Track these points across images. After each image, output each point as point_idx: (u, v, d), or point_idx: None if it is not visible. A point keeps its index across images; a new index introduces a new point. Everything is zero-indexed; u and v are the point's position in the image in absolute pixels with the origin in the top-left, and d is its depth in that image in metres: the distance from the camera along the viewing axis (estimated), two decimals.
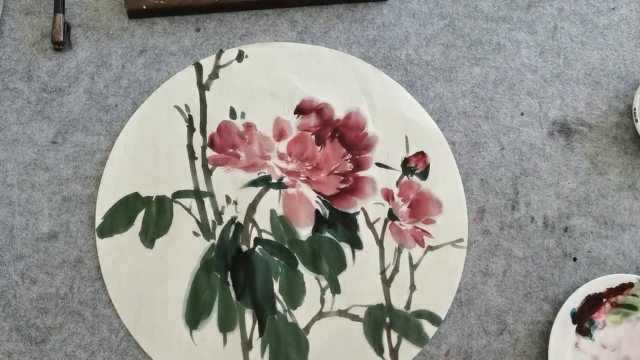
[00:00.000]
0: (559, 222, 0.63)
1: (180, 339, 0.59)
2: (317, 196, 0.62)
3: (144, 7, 0.64)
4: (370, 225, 0.61)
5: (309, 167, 0.62)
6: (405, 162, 0.63)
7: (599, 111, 0.65)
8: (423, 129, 0.64)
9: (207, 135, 0.63)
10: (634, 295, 0.60)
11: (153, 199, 0.61)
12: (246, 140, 0.63)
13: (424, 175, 0.63)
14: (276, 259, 0.60)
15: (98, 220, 0.60)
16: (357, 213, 0.61)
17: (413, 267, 0.60)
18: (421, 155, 0.63)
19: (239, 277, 0.60)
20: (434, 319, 0.60)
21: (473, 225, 0.62)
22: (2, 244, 0.60)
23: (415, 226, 0.61)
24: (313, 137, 0.63)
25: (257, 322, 0.59)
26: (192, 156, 0.62)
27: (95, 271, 0.60)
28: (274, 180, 0.62)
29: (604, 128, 0.65)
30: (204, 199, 0.61)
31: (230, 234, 0.61)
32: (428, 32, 0.67)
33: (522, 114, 0.65)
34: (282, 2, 0.66)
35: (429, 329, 0.59)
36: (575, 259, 0.62)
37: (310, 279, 0.60)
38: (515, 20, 0.67)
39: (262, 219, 0.61)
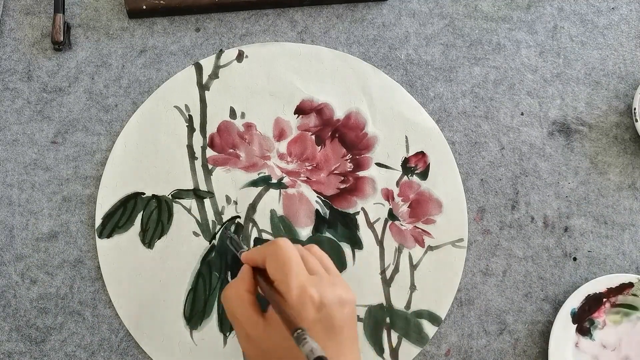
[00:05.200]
0: (559, 222, 0.63)
1: (180, 339, 0.59)
2: (317, 196, 0.62)
3: (144, 7, 0.64)
4: (371, 225, 0.61)
5: (309, 167, 0.62)
6: (405, 162, 0.63)
7: (599, 111, 0.66)
8: (423, 129, 0.64)
9: (207, 135, 0.63)
10: (634, 295, 0.60)
11: (153, 199, 0.61)
12: (246, 140, 0.63)
13: (424, 175, 0.63)
14: None
15: (98, 220, 0.60)
16: (357, 213, 0.62)
17: (413, 267, 0.61)
18: (421, 155, 0.63)
19: None
20: (434, 319, 0.60)
21: (473, 225, 0.62)
22: (2, 244, 0.60)
23: (415, 226, 0.61)
24: (313, 137, 0.63)
25: None
26: (192, 156, 0.62)
27: (95, 271, 0.60)
28: (274, 180, 0.62)
29: (604, 128, 0.65)
30: (204, 199, 0.61)
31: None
32: (428, 32, 0.67)
33: (522, 114, 0.65)
34: (282, 2, 0.66)
35: (429, 329, 0.59)
36: (575, 259, 0.62)
37: None
38: (515, 20, 0.67)
39: (262, 219, 0.61)
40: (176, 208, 0.61)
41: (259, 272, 0.47)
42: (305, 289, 0.42)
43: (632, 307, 0.60)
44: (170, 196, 0.61)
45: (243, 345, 0.45)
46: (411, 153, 0.63)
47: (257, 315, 0.44)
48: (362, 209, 0.62)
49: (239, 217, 0.61)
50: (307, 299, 0.42)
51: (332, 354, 0.42)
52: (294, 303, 0.42)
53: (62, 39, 0.63)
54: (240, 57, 0.65)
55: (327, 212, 0.61)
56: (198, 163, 0.62)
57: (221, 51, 0.65)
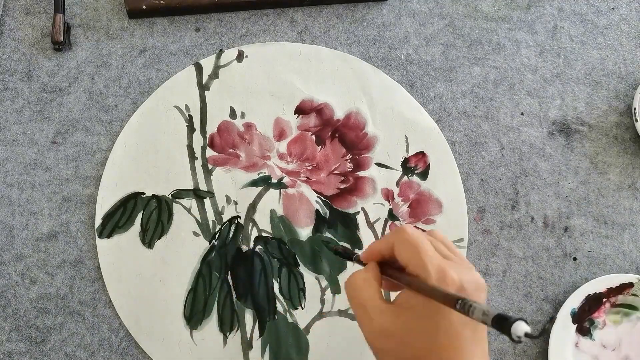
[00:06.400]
0: (559, 222, 0.63)
1: (180, 339, 0.59)
2: (317, 196, 0.62)
3: (144, 7, 0.64)
4: (371, 225, 0.61)
5: (309, 167, 0.62)
6: (405, 162, 0.63)
7: (599, 111, 0.66)
8: (423, 129, 0.64)
9: (207, 135, 0.63)
10: (634, 295, 0.60)
11: (153, 199, 0.61)
12: (246, 140, 0.63)
13: (424, 175, 0.63)
14: (276, 259, 0.60)
15: (98, 220, 0.60)
16: (357, 213, 0.61)
17: None
18: (421, 155, 0.63)
19: (239, 277, 0.60)
20: None
21: (473, 225, 0.62)
22: (2, 244, 0.60)
23: (415, 226, 0.61)
24: (313, 137, 0.63)
25: (257, 322, 0.59)
26: (192, 156, 0.62)
27: (95, 271, 0.60)
28: (274, 180, 0.62)
29: (604, 128, 0.65)
30: (204, 199, 0.61)
31: (231, 234, 0.61)
32: (428, 32, 0.67)
33: (522, 114, 0.65)
34: (282, 2, 0.66)
35: None
36: (575, 259, 0.62)
37: (310, 279, 0.60)
38: (515, 20, 0.67)
39: (262, 219, 0.61)
40: (176, 208, 0.61)
41: (386, 265, 0.45)
42: (445, 271, 0.40)
43: (632, 307, 0.60)
44: (170, 196, 0.61)
45: (373, 339, 0.42)
46: (411, 153, 0.63)
47: (385, 302, 0.42)
48: (362, 209, 0.62)
49: (239, 217, 0.61)
50: (449, 281, 0.40)
51: (468, 348, 0.40)
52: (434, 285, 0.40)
53: (62, 39, 0.63)
54: (240, 57, 0.65)
55: (327, 212, 0.61)
56: (198, 163, 0.62)
57: (221, 51, 0.65)
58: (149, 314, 0.59)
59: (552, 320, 0.33)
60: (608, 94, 0.66)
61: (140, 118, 0.63)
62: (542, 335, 0.31)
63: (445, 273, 0.40)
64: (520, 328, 0.32)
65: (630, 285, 0.60)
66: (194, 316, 0.59)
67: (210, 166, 0.62)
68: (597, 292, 0.60)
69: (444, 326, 0.39)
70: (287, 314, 0.59)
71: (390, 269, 0.44)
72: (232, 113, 0.63)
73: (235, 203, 0.61)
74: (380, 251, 0.45)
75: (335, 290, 0.60)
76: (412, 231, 0.43)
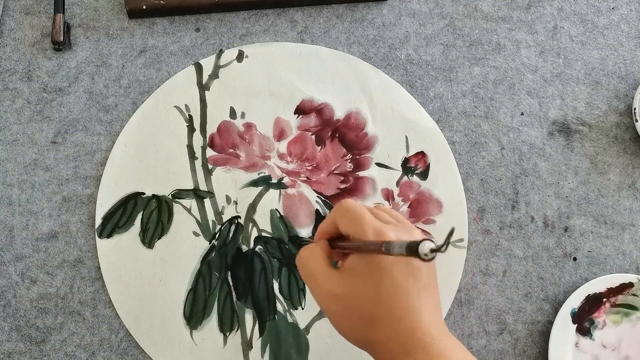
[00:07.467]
0: (559, 221, 0.63)
1: (180, 339, 0.59)
2: (318, 196, 0.62)
3: (144, 7, 0.64)
4: None
5: (309, 167, 0.62)
6: (405, 162, 0.63)
7: (599, 111, 0.66)
8: (423, 129, 0.64)
9: (207, 135, 0.63)
10: (634, 295, 0.60)
11: (153, 199, 0.61)
12: (246, 140, 0.63)
13: (424, 175, 0.63)
14: (276, 259, 0.60)
15: (98, 220, 0.60)
16: None
17: None
18: (421, 155, 0.63)
19: (239, 277, 0.60)
20: None
21: (473, 225, 0.62)
22: (2, 244, 0.60)
23: (415, 226, 0.61)
24: (313, 137, 0.63)
25: (257, 322, 0.59)
26: (192, 156, 0.62)
27: (95, 271, 0.60)
28: (274, 180, 0.62)
29: (604, 128, 0.65)
30: (204, 199, 0.61)
31: (231, 234, 0.61)
32: (428, 32, 0.67)
33: (522, 114, 0.65)
34: (282, 2, 0.66)
35: None
36: (575, 259, 0.62)
37: None
38: (515, 20, 0.67)
39: (262, 219, 0.61)
40: (176, 208, 0.61)
41: (336, 240, 0.48)
42: (381, 231, 0.42)
43: (632, 307, 0.60)
44: (170, 196, 0.61)
45: (324, 304, 0.45)
46: (411, 153, 0.63)
47: (332, 269, 0.45)
48: None
49: (239, 217, 0.61)
50: (386, 240, 0.42)
51: (413, 297, 0.42)
52: None
53: (62, 39, 0.64)
54: (240, 57, 0.65)
55: (327, 212, 0.61)
56: (198, 163, 0.62)
57: (221, 51, 0.65)
58: (149, 314, 0.59)
59: (451, 232, 0.34)
60: (608, 94, 0.66)
61: (140, 118, 0.63)
62: (445, 245, 0.33)
63: (381, 232, 0.42)
64: (426, 247, 0.35)
65: (630, 285, 0.60)
66: (194, 316, 0.59)
67: (210, 166, 0.62)
68: (597, 292, 0.60)
69: (385, 282, 0.42)
70: (287, 314, 0.59)
71: (339, 241, 0.47)
72: (232, 113, 0.63)
73: (235, 203, 0.61)
74: (326, 229, 0.48)
75: None
76: (350, 202, 0.46)
